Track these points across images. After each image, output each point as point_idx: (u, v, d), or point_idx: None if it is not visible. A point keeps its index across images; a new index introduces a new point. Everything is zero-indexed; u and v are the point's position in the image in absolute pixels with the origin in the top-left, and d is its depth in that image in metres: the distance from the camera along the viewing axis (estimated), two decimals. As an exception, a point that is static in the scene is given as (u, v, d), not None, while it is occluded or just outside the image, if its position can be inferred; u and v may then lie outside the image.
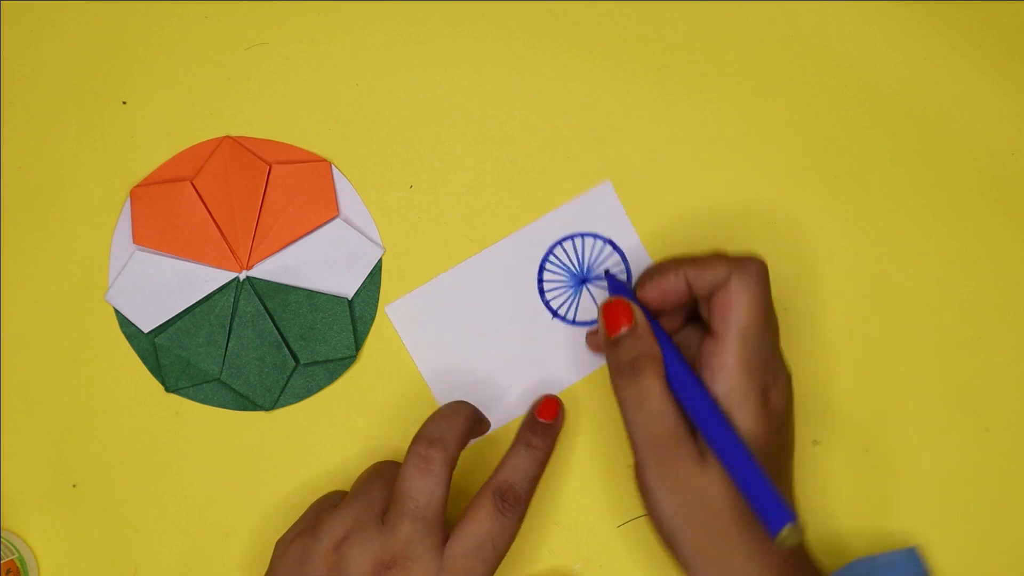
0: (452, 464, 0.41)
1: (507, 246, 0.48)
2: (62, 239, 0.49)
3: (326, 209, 0.48)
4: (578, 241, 0.48)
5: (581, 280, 0.48)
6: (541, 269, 0.48)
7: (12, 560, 0.46)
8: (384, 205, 0.49)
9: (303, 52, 0.49)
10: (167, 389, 0.48)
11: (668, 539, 0.41)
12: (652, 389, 0.41)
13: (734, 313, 0.40)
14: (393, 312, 0.48)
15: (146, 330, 0.48)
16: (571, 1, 0.49)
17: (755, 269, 0.41)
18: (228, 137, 0.49)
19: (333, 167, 0.49)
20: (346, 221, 0.48)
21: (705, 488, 0.39)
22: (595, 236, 0.48)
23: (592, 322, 0.48)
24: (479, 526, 0.41)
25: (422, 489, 0.40)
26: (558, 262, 0.48)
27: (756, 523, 0.39)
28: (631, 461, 0.49)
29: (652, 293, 0.42)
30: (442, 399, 0.48)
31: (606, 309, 0.42)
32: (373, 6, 0.49)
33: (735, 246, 0.48)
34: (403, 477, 0.41)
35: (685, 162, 0.49)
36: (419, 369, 0.48)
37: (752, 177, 0.49)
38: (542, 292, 0.48)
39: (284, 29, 0.49)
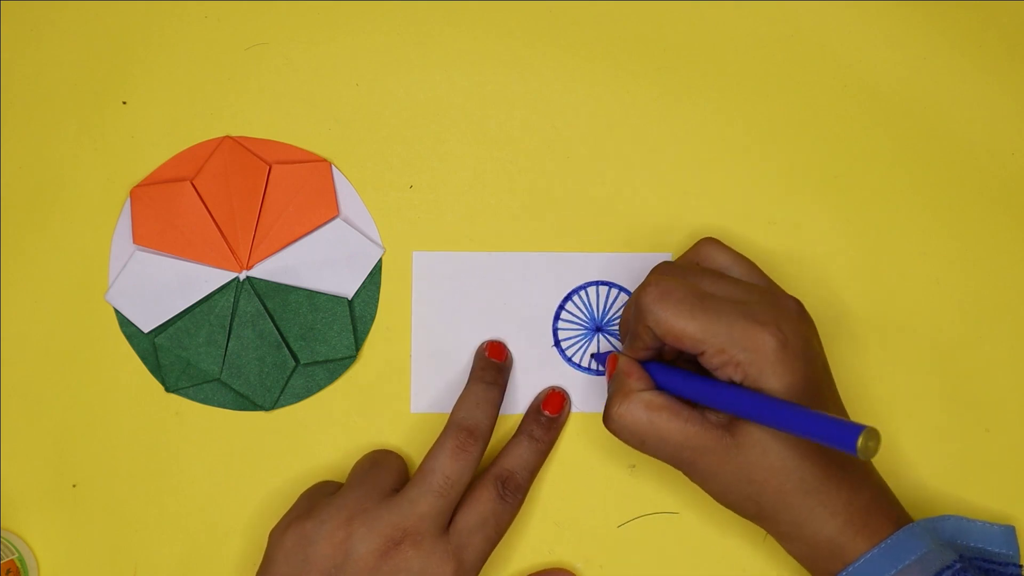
0: (483, 452, 0.43)
1: (546, 261, 0.48)
2: (62, 239, 0.49)
3: (326, 209, 0.48)
4: (603, 289, 0.48)
5: (597, 328, 0.48)
6: (566, 299, 0.48)
7: (12, 560, 0.46)
8: (384, 205, 0.49)
9: (303, 52, 0.49)
10: (167, 389, 0.48)
11: (729, 508, 0.41)
12: (637, 417, 0.41)
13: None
14: (419, 260, 0.48)
15: (146, 330, 0.48)
16: (571, 1, 0.49)
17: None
18: (228, 137, 0.49)
19: (333, 167, 0.49)
20: (346, 221, 0.48)
21: (742, 468, 0.39)
22: (619, 288, 0.48)
23: (587, 368, 0.48)
24: (483, 506, 0.43)
25: (455, 469, 0.42)
26: (580, 303, 0.48)
27: (808, 477, 0.39)
28: (632, 462, 0.49)
29: (636, 355, 0.43)
30: (421, 370, 0.48)
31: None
32: (373, 6, 0.49)
33: (735, 246, 0.48)
34: (435, 456, 0.43)
35: (685, 162, 0.49)
36: (412, 335, 0.48)
37: (752, 177, 0.49)
38: (557, 318, 0.48)
39: (284, 29, 0.49)
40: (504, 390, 0.46)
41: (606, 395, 0.42)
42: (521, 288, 0.48)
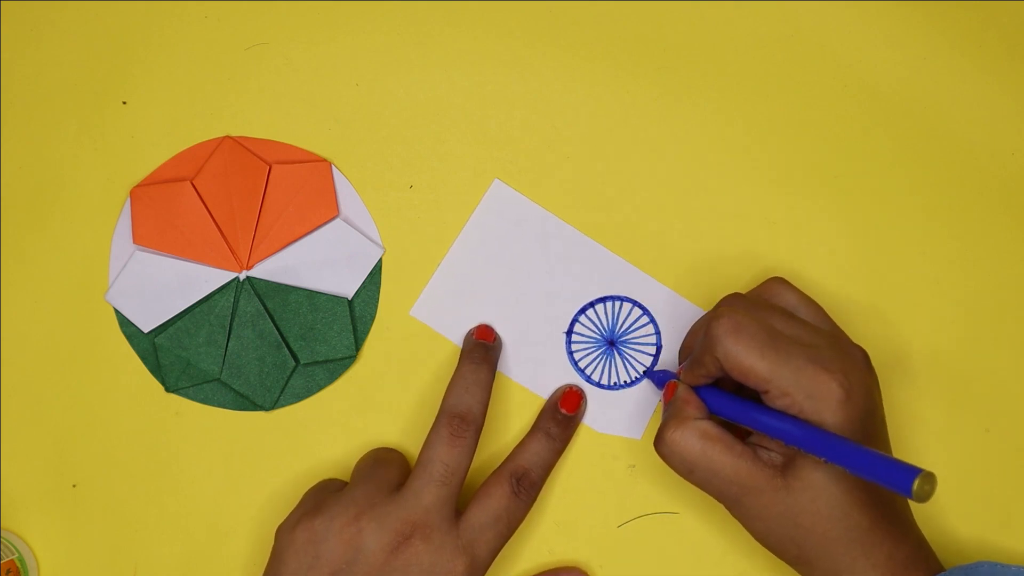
0: (479, 435, 0.43)
1: (609, 260, 0.48)
2: (62, 239, 0.49)
3: (326, 209, 0.48)
4: (611, 304, 0.48)
5: (609, 341, 0.48)
6: (597, 301, 0.48)
7: (12, 560, 0.46)
8: (384, 205, 0.49)
9: (303, 52, 0.49)
10: (167, 389, 0.48)
11: (768, 549, 0.41)
12: (691, 445, 0.40)
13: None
14: (496, 189, 0.48)
15: (146, 330, 0.48)
16: (571, 1, 0.49)
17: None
18: (228, 137, 0.49)
19: (333, 167, 0.49)
20: (346, 221, 0.48)
21: (790, 510, 0.39)
22: (632, 301, 0.48)
23: (582, 370, 0.48)
24: (496, 502, 0.43)
25: (453, 457, 0.42)
26: (591, 319, 0.48)
27: (854, 527, 0.39)
28: (632, 462, 0.49)
29: (695, 381, 0.43)
30: (439, 282, 0.48)
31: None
32: (373, 6, 0.49)
33: (735, 246, 0.48)
34: (432, 446, 0.43)
35: (685, 162, 0.49)
36: (450, 249, 0.48)
37: (752, 177, 0.49)
38: (582, 312, 0.48)
39: (284, 29, 0.49)
40: (494, 370, 0.46)
41: (657, 417, 0.42)
42: (568, 268, 0.48)
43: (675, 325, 0.48)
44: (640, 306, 0.48)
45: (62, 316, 0.48)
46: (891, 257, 0.48)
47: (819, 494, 0.39)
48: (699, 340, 0.42)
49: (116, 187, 0.49)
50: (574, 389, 0.47)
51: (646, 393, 0.48)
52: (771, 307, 0.42)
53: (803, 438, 0.38)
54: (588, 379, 0.48)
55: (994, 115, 0.49)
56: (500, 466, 0.45)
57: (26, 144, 0.49)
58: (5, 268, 0.48)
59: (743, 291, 0.45)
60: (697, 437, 0.40)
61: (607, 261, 0.48)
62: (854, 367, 0.40)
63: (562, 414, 0.47)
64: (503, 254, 0.48)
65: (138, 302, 0.48)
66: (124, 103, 0.49)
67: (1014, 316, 0.48)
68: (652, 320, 0.48)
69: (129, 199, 0.48)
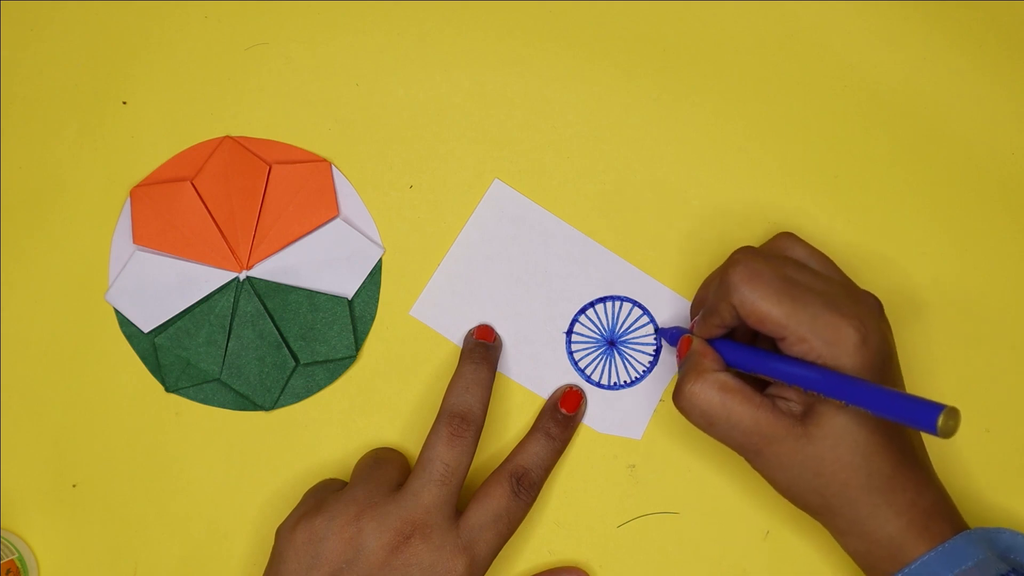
0: (479, 435, 0.43)
1: (607, 257, 0.48)
2: (62, 239, 0.49)
3: (326, 209, 0.48)
4: (611, 304, 0.48)
5: (609, 341, 0.48)
6: (597, 301, 0.48)
7: (12, 560, 0.46)
8: (384, 205, 0.49)
9: (303, 52, 0.49)
10: (167, 389, 0.48)
11: (790, 500, 0.41)
12: (710, 397, 0.40)
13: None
14: (497, 188, 0.48)
15: (146, 330, 0.48)
16: (571, 1, 0.49)
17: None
18: (228, 137, 0.49)
19: (333, 167, 0.49)
20: (346, 221, 0.48)
21: (811, 459, 0.39)
22: (631, 301, 0.48)
23: (582, 370, 0.48)
24: (496, 502, 0.43)
25: (453, 456, 0.42)
26: (591, 320, 0.48)
27: (876, 473, 0.39)
28: (632, 462, 0.49)
29: (709, 332, 0.43)
30: (439, 282, 0.48)
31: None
32: (373, 6, 0.49)
33: (735, 246, 0.48)
34: (432, 446, 0.43)
35: (685, 162, 0.49)
36: (450, 248, 0.48)
37: (752, 177, 0.49)
38: (582, 312, 0.48)
39: (284, 29, 0.49)
40: (494, 370, 0.46)
41: (675, 375, 0.41)
42: (568, 268, 0.48)
43: (675, 325, 0.48)
44: (640, 306, 0.48)
45: (62, 316, 0.48)
46: (891, 257, 0.48)
47: (840, 440, 0.39)
48: (713, 289, 0.41)
49: (116, 187, 0.49)
50: (574, 389, 0.47)
51: (646, 393, 0.48)
52: (784, 257, 0.42)
53: (823, 382, 0.38)
54: (588, 379, 0.48)
55: (994, 115, 0.49)
56: (500, 466, 0.45)
57: (26, 144, 0.49)
58: (5, 268, 0.48)
59: None
60: (716, 389, 0.40)
61: (607, 261, 0.48)
62: (869, 313, 0.40)
63: (562, 414, 0.47)
64: (503, 254, 0.48)
65: (138, 302, 0.48)
66: (124, 103, 0.49)
67: (1014, 316, 0.48)
68: (652, 320, 0.48)
69: (129, 199, 0.48)
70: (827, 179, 0.49)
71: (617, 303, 0.48)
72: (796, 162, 0.49)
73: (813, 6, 0.49)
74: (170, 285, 0.48)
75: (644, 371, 0.48)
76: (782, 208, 0.48)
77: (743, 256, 0.40)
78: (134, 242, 0.48)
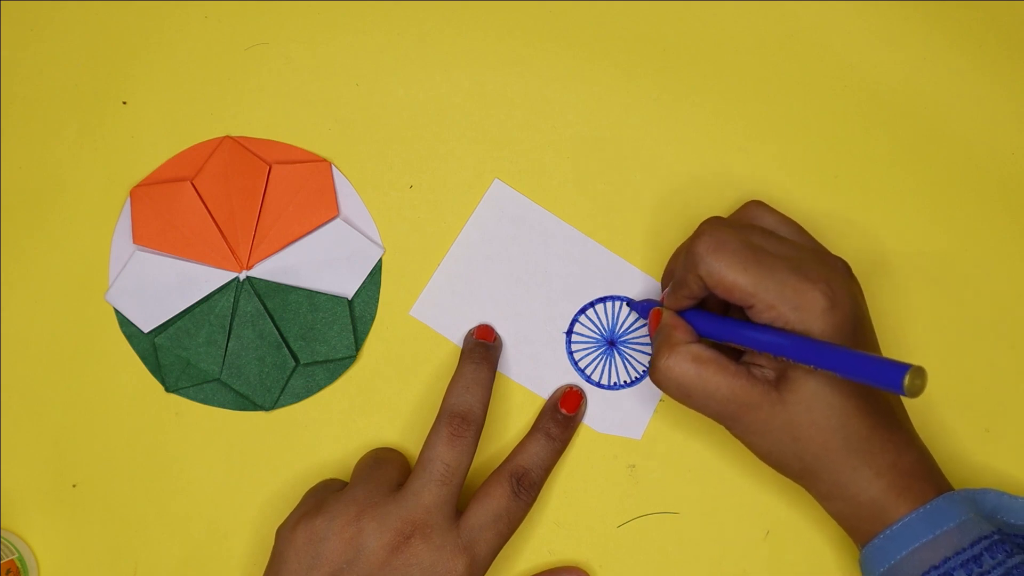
0: (479, 435, 0.44)
1: (607, 258, 0.48)
2: (62, 239, 0.49)
3: (326, 209, 0.48)
4: (610, 304, 0.48)
5: (609, 341, 0.48)
6: (596, 301, 0.48)
7: (12, 560, 0.46)
8: (384, 205, 0.49)
9: (303, 52, 0.49)
10: (167, 389, 0.48)
11: (772, 467, 0.41)
12: (684, 370, 0.40)
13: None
14: (497, 188, 0.48)
15: (146, 330, 0.48)
16: (571, 1, 0.49)
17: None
18: (228, 137, 0.49)
19: (333, 167, 0.49)
20: (346, 221, 0.48)
21: (788, 423, 0.39)
22: (625, 299, 0.48)
23: (582, 370, 0.48)
24: (496, 502, 0.43)
25: (453, 456, 0.42)
26: (592, 319, 0.48)
27: (853, 435, 0.39)
28: (632, 462, 0.49)
29: (679, 304, 0.43)
30: (439, 282, 0.48)
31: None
32: (373, 6, 0.49)
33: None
34: (432, 446, 0.43)
35: (685, 162, 0.49)
36: (451, 248, 0.48)
37: (752, 177, 0.49)
38: (582, 311, 0.48)
39: (284, 29, 0.49)
40: (494, 370, 0.46)
41: (651, 350, 0.41)
42: (568, 268, 0.48)
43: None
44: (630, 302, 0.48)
45: (62, 316, 0.48)
46: (890, 257, 0.48)
47: (814, 404, 0.39)
48: (681, 261, 0.42)
49: (116, 187, 0.49)
50: (574, 389, 0.47)
51: (646, 393, 0.48)
52: (751, 226, 0.42)
53: (790, 348, 0.38)
54: (588, 379, 0.48)
55: (994, 115, 0.49)
56: (500, 466, 0.45)
57: (26, 144, 0.49)
58: (5, 268, 0.48)
59: None
60: (690, 361, 0.40)
61: (607, 261, 0.48)
62: (837, 276, 0.40)
63: (562, 414, 0.47)
64: (503, 254, 0.48)
65: (138, 302, 0.48)
66: (124, 103, 0.49)
67: (1013, 316, 0.48)
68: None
69: (129, 199, 0.48)
70: (827, 179, 0.49)
71: (617, 303, 0.48)
72: (796, 162, 0.49)
73: (813, 6, 0.49)
74: (170, 285, 0.48)
75: (644, 371, 0.48)
76: (782, 208, 0.48)
77: (709, 227, 0.41)
78: (134, 242, 0.48)
